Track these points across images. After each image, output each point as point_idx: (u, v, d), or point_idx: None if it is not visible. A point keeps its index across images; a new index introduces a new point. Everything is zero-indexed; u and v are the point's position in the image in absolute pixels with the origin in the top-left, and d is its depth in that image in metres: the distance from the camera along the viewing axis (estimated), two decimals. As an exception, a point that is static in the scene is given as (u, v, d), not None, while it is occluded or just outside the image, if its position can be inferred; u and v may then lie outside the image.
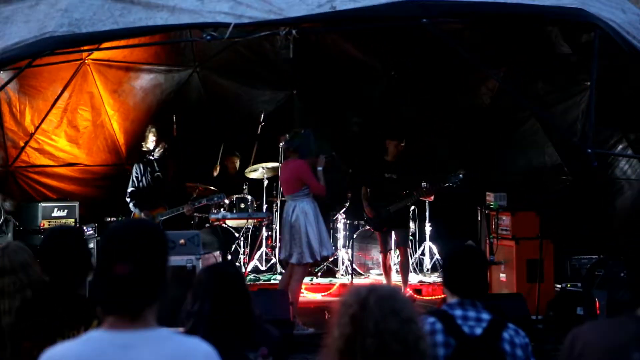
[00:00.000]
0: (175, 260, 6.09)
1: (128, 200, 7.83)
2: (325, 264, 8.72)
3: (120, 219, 7.68)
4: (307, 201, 6.72)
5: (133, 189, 7.83)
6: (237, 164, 9.16)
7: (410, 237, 8.69)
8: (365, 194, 7.86)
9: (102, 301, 1.84)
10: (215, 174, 8.96)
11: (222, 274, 2.95)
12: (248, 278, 8.15)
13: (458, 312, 2.84)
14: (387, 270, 7.91)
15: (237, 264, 8.39)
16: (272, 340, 2.92)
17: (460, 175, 7.97)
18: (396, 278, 8.10)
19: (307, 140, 6.95)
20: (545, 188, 9.24)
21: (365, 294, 1.90)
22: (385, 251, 7.86)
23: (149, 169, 7.91)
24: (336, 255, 8.81)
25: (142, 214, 7.67)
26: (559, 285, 7.66)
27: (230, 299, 2.83)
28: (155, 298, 1.84)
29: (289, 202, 6.85)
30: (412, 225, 8.76)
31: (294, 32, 6.54)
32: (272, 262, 8.62)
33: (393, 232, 7.85)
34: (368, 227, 8.15)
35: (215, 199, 7.89)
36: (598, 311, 6.83)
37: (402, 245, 7.90)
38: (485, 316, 2.83)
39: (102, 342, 1.83)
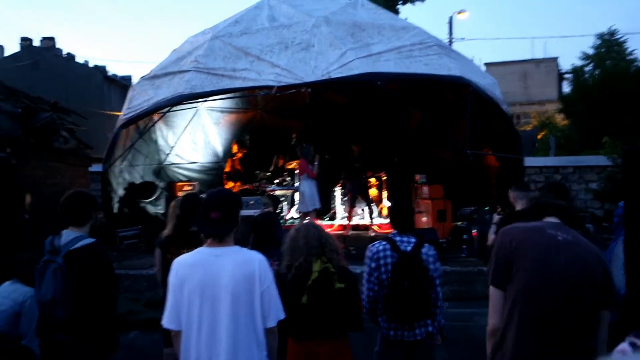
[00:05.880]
0: (247, 212, 6.51)
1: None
2: (329, 213, 11.19)
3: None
4: (308, 180, 8.92)
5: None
6: (281, 161, 11.74)
7: (373, 202, 10.60)
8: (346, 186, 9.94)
9: (204, 231, 2.51)
10: (272, 168, 11.60)
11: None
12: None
13: (398, 239, 3.42)
14: (351, 216, 10.27)
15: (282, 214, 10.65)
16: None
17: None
18: (360, 222, 10.55)
19: (308, 150, 9.16)
20: (448, 171, 10.66)
21: (300, 226, 2.96)
22: (352, 207, 10.29)
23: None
24: (334, 210, 11.34)
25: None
26: (454, 223, 9.18)
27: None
28: (232, 230, 2.52)
29: (301, 180, 9.12)
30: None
31: (309, 90, 8.31)
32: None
33: (360, 197, 10.24)
34: (349, 193, 10.38)
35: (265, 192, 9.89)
36: (474, 236, 8.20)
37: (364, 195, 10.25)
38: (413, 240, 3.41)
39: (203, 253, 2.49)
